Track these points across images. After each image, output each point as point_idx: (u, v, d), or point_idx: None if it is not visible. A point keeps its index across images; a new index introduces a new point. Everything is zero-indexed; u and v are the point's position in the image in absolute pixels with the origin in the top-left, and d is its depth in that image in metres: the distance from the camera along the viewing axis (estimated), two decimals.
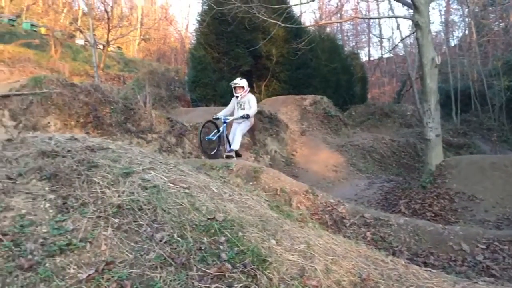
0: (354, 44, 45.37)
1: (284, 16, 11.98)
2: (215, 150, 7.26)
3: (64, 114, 8.95)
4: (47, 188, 2.83)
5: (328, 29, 29.07)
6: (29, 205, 2.65)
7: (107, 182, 2.99)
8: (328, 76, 21.82)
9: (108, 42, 24.34)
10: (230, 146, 7.23)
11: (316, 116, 15.81)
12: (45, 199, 2.72)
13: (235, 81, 7.36)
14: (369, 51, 49.27)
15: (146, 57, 39.68)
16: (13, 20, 25.99)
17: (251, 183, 5.62)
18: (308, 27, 20.57)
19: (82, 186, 2.90)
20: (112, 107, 9.75)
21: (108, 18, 23.21)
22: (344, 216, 5.70)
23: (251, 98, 7.31)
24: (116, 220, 2.68)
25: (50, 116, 8.82)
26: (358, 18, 28.11)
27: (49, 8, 30.42)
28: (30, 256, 2.28)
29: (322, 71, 21.40)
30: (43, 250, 2.35)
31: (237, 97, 7.28)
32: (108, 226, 2.62)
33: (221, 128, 7.07)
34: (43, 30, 26.43)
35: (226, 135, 7.28)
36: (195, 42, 20.33)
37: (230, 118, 7.25)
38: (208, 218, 2.90)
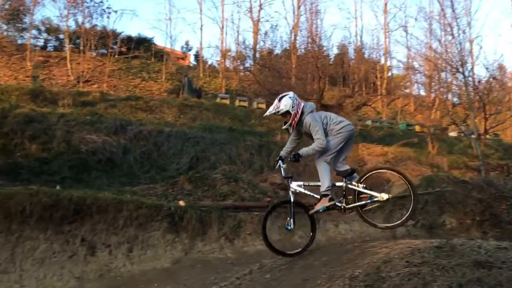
0: None
1: None
2: (307, 242, 4.73)
3: (458, 212, 8.97)
4: None
5: None
6: None
7: None
8: None
9: (486, 130, 23.41)
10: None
11: None
12: None
13: (270, 110, 4.62)
14: None
15: None
16: (391, 123, 29.24)
17: None
18: None
19: None
20: (508, 203, 9.08)
21: (484, 106, 22.58)
22: None
23: (310, 122, 4.44)
24: None
25: (445, 215, 9.03)
26: None
27: (419, 106, 32.45)
28: None
29: None
30: None
31: (287, 129, 4.63)
32: None
33: (291, 197, 4.56)
34: (417, 128, 28.44)
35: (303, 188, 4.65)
36: None
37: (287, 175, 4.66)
38: None
